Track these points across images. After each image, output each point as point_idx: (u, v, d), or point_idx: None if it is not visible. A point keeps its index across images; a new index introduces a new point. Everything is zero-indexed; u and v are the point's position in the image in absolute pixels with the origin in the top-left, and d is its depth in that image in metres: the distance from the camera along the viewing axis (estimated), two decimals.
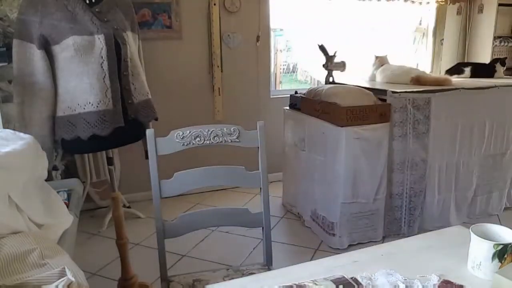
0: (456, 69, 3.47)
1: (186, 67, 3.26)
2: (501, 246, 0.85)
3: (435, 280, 0.86)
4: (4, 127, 1.83)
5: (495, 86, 2.73)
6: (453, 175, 2.72)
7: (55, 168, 2.41)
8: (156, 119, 1.82)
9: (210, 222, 1.48)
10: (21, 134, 1.28)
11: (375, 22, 3.90)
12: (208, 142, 1.40)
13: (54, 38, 1.51)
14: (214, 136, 1.40)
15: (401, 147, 2.50)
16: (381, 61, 3.16)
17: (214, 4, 3.20)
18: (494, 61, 3.42)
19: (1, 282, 0.85)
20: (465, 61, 4.18)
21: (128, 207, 3.05)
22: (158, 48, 3.12)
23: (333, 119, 2.41)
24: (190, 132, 1.38)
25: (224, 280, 1.36)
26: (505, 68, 3.36)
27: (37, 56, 1.52)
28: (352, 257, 0.98)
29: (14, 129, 1.38)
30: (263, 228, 1.46)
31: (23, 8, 1.52)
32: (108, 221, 2.82)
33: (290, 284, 0.85)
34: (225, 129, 1.40)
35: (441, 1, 3.94)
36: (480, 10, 4.06)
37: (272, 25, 3.52)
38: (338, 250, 2.48)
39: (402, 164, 2.54)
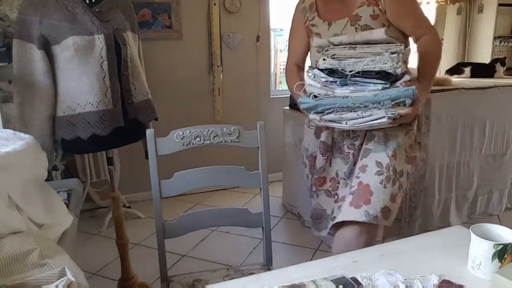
0: (456, 69, 3.47)
1: (186, 67, 3.26)
2: (501, 246, 0.85)
3: (435, 280, 0.86)
4: (4, 127, 1.83)
5: (495, 86, 2.73)
6: (453, 175, 2.72)
7: (55, 168, 2.40)
8: (156, 119, 1.82)
9: (210, 222, 1.48)
10: (21, 134, 1.28)
11: None
12: (208, 142, 1.40)
13: (54, 38, 1.51)
14: (214, 136, 1.40)
15: None
16: None
17: (214, 4, 3.20)
18: (494, 61, 3.42)
19: (1, 282, 0.85)
20: (465, 61, 4.18)
21: (128, 207, 3.05)
22: (158, 48, 3.12)
23: None
24: (190, 132, 1.38)
25: (224, 280, 1.36)
26: (505, 68, 3.36)
27: (37, 56, 1.52)
28: (352, 257, 0.98)
29: (14, 129, 1.38)
30: (263, 228, 1.46)
31: (23, 8, 1.52)
32: (108, 221, 2.82)
33: (290, 284, 0.85)
34: (225, 129, 1.40)
35: (441, 1, 3.94)
36: (480, 10, 4.06)
37: (272, 25, 3.52)
38: None
39: None
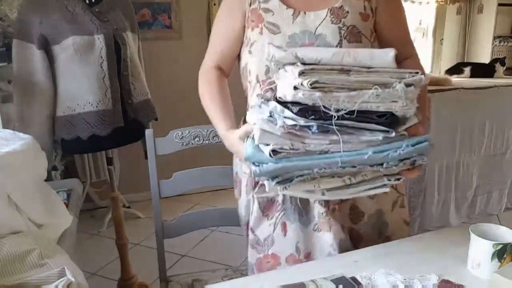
0: (456, 69, 3.47)
1: (186, 67, 3.25)
2: (500, 246, 0.85)
3: (434, 280, 0.86)
4: (4, 127, 1.83)
5: (495, 86, 2.73)
6: (453, 175, 2.72)
7: (54, 168, 2.40)
8: (156, 119, 1.82)
9: (210, 222, 1.48)
10: (21, 134, 1.28)
11: None
12: (207, 142, 1.40)
13: (54, 38, 1.51)
14: (214, 136, 1.40)
15: None
16: None
17: (214, 4, 3.20)
18: (494, 61, 3.42)
19: (1, 282, 0.85)
20: (465, 61, 4.18)
21: (128, 207, 3.05)
22: (158, 48, 3.12)
23: None
24: (189, 132, 1.38)
25: (223, 280, 1.36)
26: (505, 68, 3.36)
27: (37, 56, 1.53)
28: (352, 257, 0.98)
29: (14, 129, 1.38)
30: None
31: (23, 8, 1.52)
32: (108, 221, 2.82)
33: (290, 284, 0.85)
34: None
35: (441, 1, 3.94)
36: (480, 10, 4.06)
37: None
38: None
39: None
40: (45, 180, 1.34)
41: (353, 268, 0.91)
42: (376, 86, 0.77)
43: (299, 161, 0.79)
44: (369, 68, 0.81)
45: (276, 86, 0.87)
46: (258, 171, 0.80)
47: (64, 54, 1.53)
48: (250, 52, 1.04)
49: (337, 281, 0.85)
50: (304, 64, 0.82)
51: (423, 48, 4.20)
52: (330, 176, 0.82)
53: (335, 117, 0.77)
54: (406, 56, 1.09)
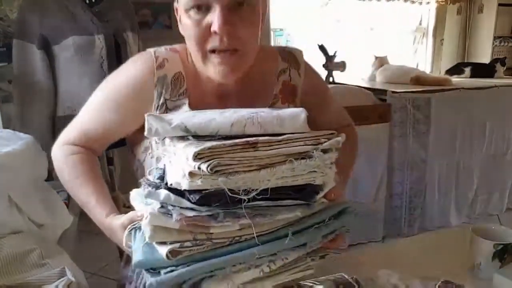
0: (456, 69, 3.47)
1: None
2: (501, 246, 0.85)
3: (435, 280, 0.86)
4: (4, 127, 1.83)
5: (495, 86, 2.73)
6: (453, 175, 2.72)
7: None
8: None
9: None
10: (21, 134, 1.28)
11: (374, 22, 3.90)
12: None
13: (54, 38, 1.51)
14: None
15: (401, 147, 2.50)
16: (381, 62, 3.16)
17: None
18: (494, 61, 3.42)
19: (1, 282, 0.85)
20: (465, 61, 4.18)
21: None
22: None
23: None
24: None
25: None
26: (505, 68, 3.36)
27: (37, 56, 1.53)
28: (352, 257, 0.98)
29: (14, 129, 1.38)
30: None
31: (23, 8, 1.53)
32: None
33: (290, 284, 0.85)
34: None
35: (441, 1, 3.94)
36: (480, 10, 4.06)
37: (272, 25, 3.52)
38: (338, 250, 2.47)
39: (402, 164, 2.53)
40: (46, 180, 1.34)
41: (353, 268, 0.91)
42: (291, 159, 0.66)
43: (208, 260, 0.65)
44: (279, 135, 0.67)
45: (164, 168, 0.72)
46: (155, 283, 0.63)
47: (64, 54, 1.53)
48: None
49: (337, 281, 0.85)
50: (197, 137, 0.68)
51: (423, 48, 4.21)
52: (246, 269, 0.67)
53: (245, 200, 0.63)
54: (347, 124, 1.09)
